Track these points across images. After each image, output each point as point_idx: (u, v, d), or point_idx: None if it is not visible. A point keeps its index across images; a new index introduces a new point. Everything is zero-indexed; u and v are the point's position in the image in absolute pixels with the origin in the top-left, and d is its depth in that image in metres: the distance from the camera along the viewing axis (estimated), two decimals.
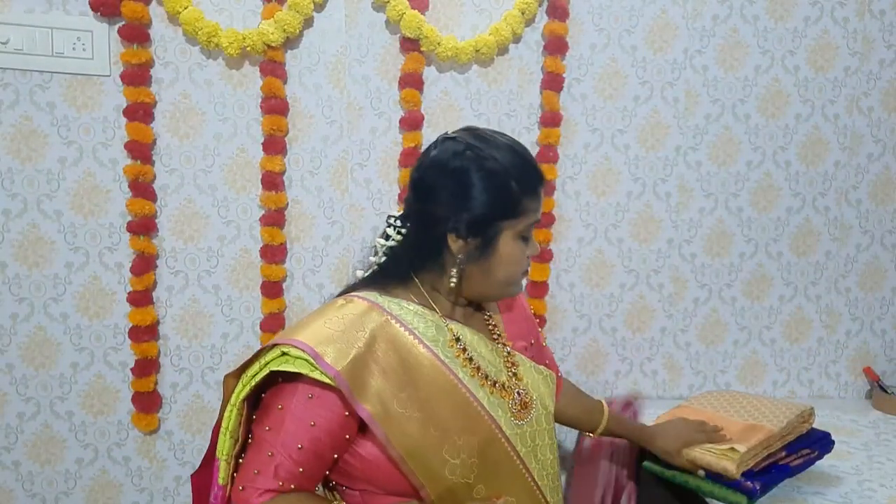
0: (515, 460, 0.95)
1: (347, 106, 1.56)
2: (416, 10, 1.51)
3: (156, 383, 1.57)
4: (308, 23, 1.51)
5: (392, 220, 0.99)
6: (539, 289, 1.67)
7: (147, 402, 1.56)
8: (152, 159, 1.51)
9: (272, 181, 1.53)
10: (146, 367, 1.54)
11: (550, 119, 1.61)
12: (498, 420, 0.94)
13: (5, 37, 1.41)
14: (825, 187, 1.76)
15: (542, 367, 1.09)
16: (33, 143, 1.46)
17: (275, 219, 1.55)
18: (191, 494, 0.99)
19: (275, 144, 1.52)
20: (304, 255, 1.60)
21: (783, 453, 1.19)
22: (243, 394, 0.89)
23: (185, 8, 1.44)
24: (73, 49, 1.44)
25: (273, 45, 1.47)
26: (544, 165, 1.62)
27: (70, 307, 1.53)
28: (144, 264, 1.51)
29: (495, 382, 0.97)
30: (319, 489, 0.94)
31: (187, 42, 1.49)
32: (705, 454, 1.16)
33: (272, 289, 1.57)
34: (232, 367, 1.02)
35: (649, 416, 1.63)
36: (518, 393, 0.99)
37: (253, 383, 0.88)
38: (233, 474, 0.90)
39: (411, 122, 1.56)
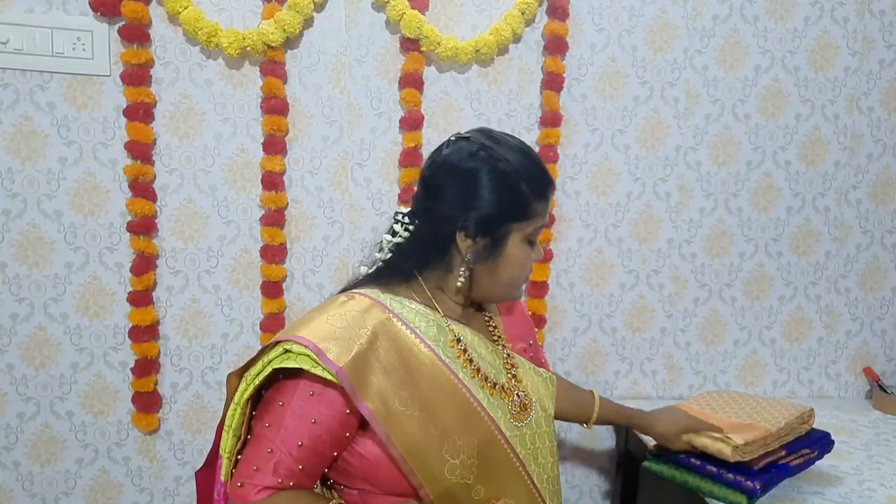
0: (515, 462, 0.95)
1: (347, 106, 1.56)
2: (416, 10, 1.51)
3: (156, 383, 1.57)
4: (308, 23, 1.51)
5: (400, 217, 0.98)
6: (539, 289, 1.67)
7: (147, 402, 1.56)
8: (152, 159, 1.51)
9: (272, 181, 1.53)
10: (146, 367, 1.54)
11: (550, 119, 1.61)
12: (497, 421, 0.94)
13: (5, 37, 1.41)
14: (825, 187, 1.76)
15: (541, 369, 1.09)
16: (33, 143, 1.46)
17: (275, 219, 1.55)
18: (191, 494, 0.99)
19: (275, 144, 1.52)
20: (304, 255, 1.60)
21: (783, 452, 1.19)
22: (247, 393, 0.88)
23: (185, 8, 1.44)
24: (73, 49, 1.44)
25: (273, 45, 1.47)
26: None
27: (70, 307, 1.53)
28: (144, 264, 1.51)
29: (495, 384, 0.97)
30: (318, 487, 0.94)
31: (187, 42, 1.49)
32: (702, 437, 1.18)
33: (272, 289, 1.57)
34: (232, 367, 1.02)
35: None
36: (518, 395, 0.99)
37: (256, 382, 0.88)
38: (231, 470, 0.90)
39: (411, 122, 1.56)
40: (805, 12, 1.68)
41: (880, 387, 1.79)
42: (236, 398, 0.90)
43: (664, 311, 1.76)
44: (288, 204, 1.57)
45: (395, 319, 0.91)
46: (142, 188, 1.49)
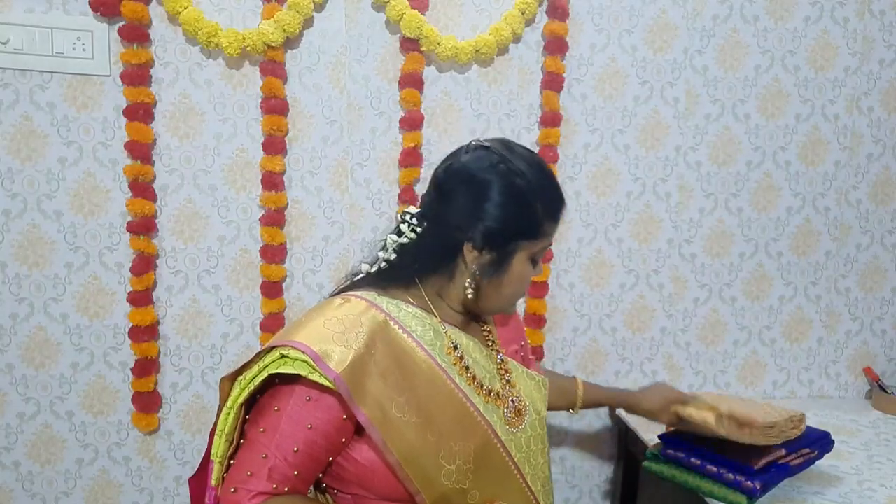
0: (510, 465, 0.95)
1: (347, 106, 1.56)
2: (416, 10, 1.50)
3: (156, 383, 1.57)
4: (308, 23, 1.51)
5: (408, 217, 0.97)
6: (539, 289, 1.67)
7: (147, 402, 1.56)
8: (152, 159, 1.50)
9: (272, 181, 1.53)
10: (146, 367, 1.54)
11: (550, 119, 1.61)
12: (494, 425, 0.94)
13: (5, 37, 1.41)
14: (825, 187, 1.76)
15: (534, 372, 1.09)
16: (33, 143, 1.46)
17: (275, 219, 1.55)
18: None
19: (275, 144, 1.52)
20: (304, 255, 1.60)
21: (783, 452, 1.19)
22: (241, 398, 0.87)
23: (185, 8, 1.44)
24: (73, 49, 1.44)
25: (273, 45, 1.47)
26: None
27: (70, 307, 1.53)
28: (144, 264, 1.51)
29: (490, 391, 0.96)
30: (311, 492, 0.93)
31: (187, 42, 1.49)
32: (689, 408, 1.20)
33: (272, 289, 1.57)
34: (232, 367, 1.01)
35: (644, 419, 1.64)
36: (512, 401, 0.99)
37: (252, 387, 0.87)
38: (223, 475, 0.89)
39: (411, 122, 1.56)
40: (805, 12, 1.68)
41: (880, 387, 1.79)
42: (230, 403, 0.88)
43: (664, 311, 1.76)
44: (288, 204, 1.57)
45: (391, 323, 0.90)
46: (142, 188, 1.49)
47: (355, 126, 1.57)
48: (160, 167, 1.52)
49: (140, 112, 1.46)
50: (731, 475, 1.15)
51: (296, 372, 0.84)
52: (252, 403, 0.90)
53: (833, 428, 1.51)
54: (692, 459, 1.20)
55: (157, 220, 1.52)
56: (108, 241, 1.52)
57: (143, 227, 1.50)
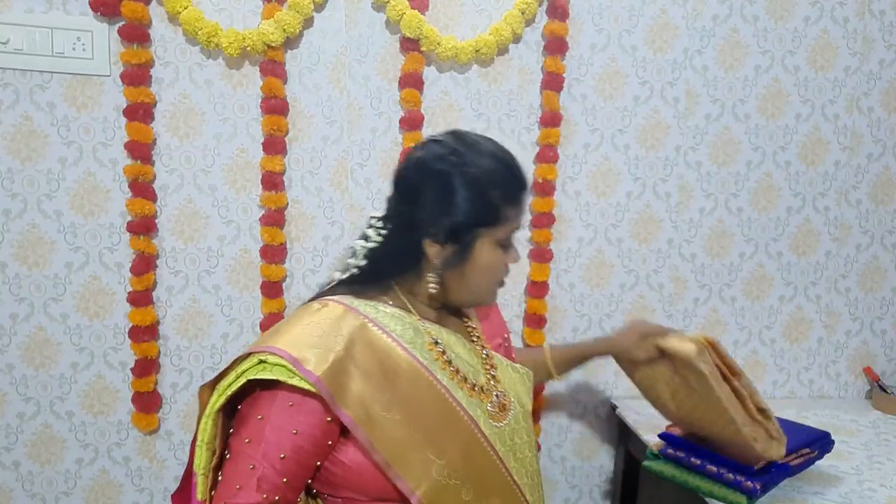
0: (495, 459, 0.94)
1: (347, 106, 1.56)
2: (416, 10, 1.50)
3: (156, 383, 1.57)
4: (308, 23, 1.51)
5: (373, 222, 0.98)
6: (539, 289, 1.67)
7: (147, 402, 1.56)
8: (152, 159, 1.50)
9: (272, 181, 1.53)
10: (146, 367, 1.54)
11: (550, 119, 1.61)
12: (477, 420, 0.93)
13: (5, 37, 1.41)
14: (825, 187, 1.76)
15: (518, 365, 1.09)
16: (33, 143, 1.46)
17: (275, 219, 1.55)
18: None
19: (275, 144, 1.52)
20: (304, 255, 1.60)
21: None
22: (218, 404, 0.86)
23: (185, 8, 1.44)
24: (73, 49, 1.44)
25: (273, 45, 1.47)
26: (544, 165, 1.62)
27: (70, 307, 1.53)
28: (144, 264, 1.51)
29: (474, 385, 0.96)
30: (302, 497, 0.91)
31: (187, 42, 1.49)
32: (669, 339, 1.15)
33: (272, 289, 1.57)
34: None
35: (644, 419, 1.64)
36: (496, 395, 0.99)
37: (229, 393, 0.86)
38: (211, 492, 0.87)
39: (411, 122, 1.56)
40: (805, 12, 1.68)
41: (880, 387, 1.79)
42: (208, 410, 0.87)
43: (664, 311, 1.76)
44: (288, 204, 1.57)
45: (370, 325, 0.90)
46: (142, 188, 1.49)
47: (355, 126, 1.57)
48: (160, 167, 1.52)
49: (140, 112, 1.46)
50: (731, 475, 1.15)
51: (274, 377, 0.83)
52: (232, 413, 0.89)
53: (833, 428, 1.51)
54: (692, 459, 1.20)
55: (157, 220, 1.52)
56: (108, 241, 1.52)
57: (143, 227, 1.50)
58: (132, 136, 1.46)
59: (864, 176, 1.77)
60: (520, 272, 1.68)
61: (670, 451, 1.25)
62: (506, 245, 0.95)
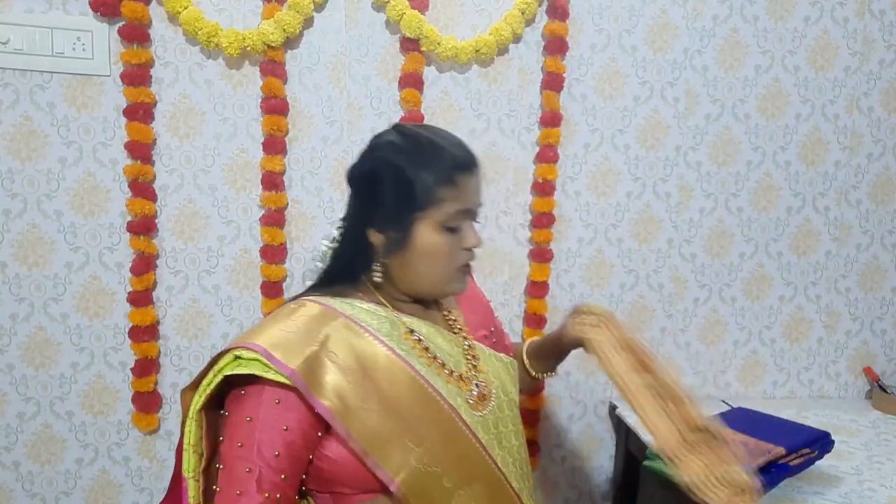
0: (477, 447, 0.94)
1: (347, 106, 1.56)
2: (416, 10, 1.50)
3: (156, 383, 1.57)
4: (308, 23, 1.51)
5: (338, 223, 1.00)
6: (539, 289, 1.67)
7: (147, 402, 1.56)
8: (152, 159, 1.51)
9: (272, 181, 1.53)
10: (146, 367, 1.54)
11: (550, 119, 1.61)
12: (458, 408, 0.93)
13: (5, 37, 1.41)
14: (825, 187, 1.76)
15: (502, 354, 1.08)
16: (33, 143, 1.46)
17: (275, 219, 1.55)
18: None
19: (275, 144, 1.52)
20: (304, 255, 1.60)
21: (783, 451, 1.19)
22: (199, 404, 0.87)
23: (185, 8, 1.44)
24: (73, 49, 1.44)
25: (273, 45, 1.47)
26: (544, 165, 1.62)
27: (70, 307, 1.53)
28: (144, 264, 1.51)
29: (452, 372, 0.96)
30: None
31: (187, 42, 1.49)
32: (580, 314, 1.12)
33: (272, 289, 1.57)
34: None
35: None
36: (476, 384, 0.99)
37: (208, 391, 0.86)
38: (203, 494, 0.87)
39: (411, 123, 1.56)
40: (805, 12, 1.68)
41: (880, 387, 1.79)
42: (191, 412, 0.87)
43: (664, 311, 1.76)
44: (288, 204, 1.57)
45: (346, 320, 0.91)
46: (142, 188, 1.49)
47: (355, 126, 1.57)
48: (160, 167, 1.52)
49: (140, 112, 1.46)
50: None
51: (250, 372, 0.83)
52: (217, 414, 0.89)
53: (833, 428, 1.51)
54: None
55: (157, 220, 1.52)
56: (108, 241, 1.52)
57: (143, 227, 1.50)
58: (132, 136, 1.46)
59: (864, 176, 1.77)
60: (520, 272, 1.69)
61: None
62: (454, 228, 0.93)
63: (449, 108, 1.60)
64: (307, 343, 0.86)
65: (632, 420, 1.60)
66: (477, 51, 1.55)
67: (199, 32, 1.45)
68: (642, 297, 1.75)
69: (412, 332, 0.95)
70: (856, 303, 1.83)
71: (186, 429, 0.88)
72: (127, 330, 1.53)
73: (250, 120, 1.53)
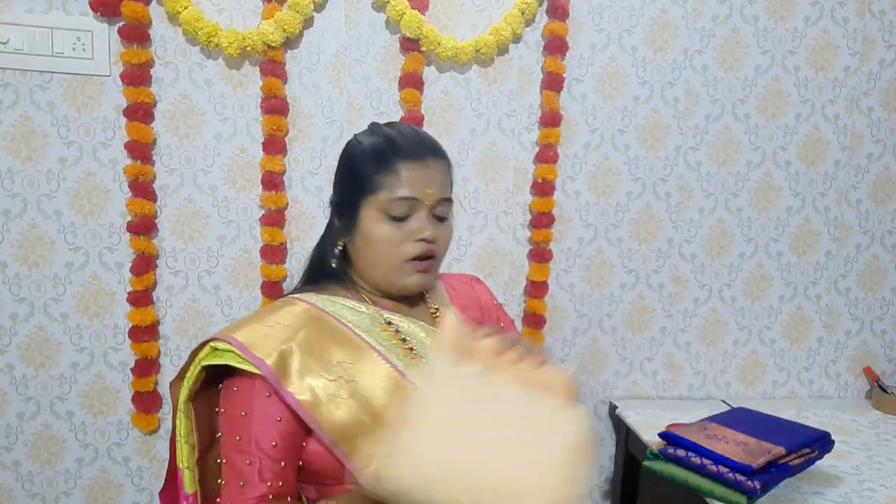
0: None
1: (347, 106, 1.56)
2: (416, 10, 1.50)
3: (156, 383, 1.57)
4: (308, 23, 1.51)
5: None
6: (539, 289, 1.67)
7: (147, 402, 1.56)
8: (152, 159, 1.50)
9: (272, 181, 1.53)
10: (146, 367, 1.54)
11: (550, 119, 1.61)
12: None
13: (5, 37, 1.41)
14: (825, 187, 1.76)
15: None
16: (33, 143, 1.46)
17: (275, 219, 1.55)
18: None
19: (275, 144, 1.52)
20: (304, 255, 1.60)
21: (783, 451, 1.19)
22: (183, 395, 0.90)
23: (185, 8, 1.44)
24: (73, 49, 1.44)
25: (273, 45, 1.47)
26: (544, 165, 1.62)
27: (70, 307, 1.53)
28: (144, 264, 1.51)
29: None
30: None
31: (187, 42, 1.49)
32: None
33: (272, 289, 1.57)
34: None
35: (644, 419, 1.64)
36: None
37: (189, 384, 0.89)
38: (199, 482, 0.90)
39: (411, 122, 1.55)
40: (805, 12, 1.68)
41: (880, 387, 1.79)
42: (179, 405, 0.91)
43: (664, 311, 1.76)
44: (288, 204, 1.57)
45: (326, 316, 0.94)
46: (142, 188, 1.49)
47: (355, 126, 1.57)
48: (160, 167, 1.52)
49: (140, 112, 1.46)
50: (731, 475, 1.15)
51: (225, 362, 0.86)
52: (207, 403, 0.92)
53: (833, 428, 1.51)
54: (692, 459, 1.20)
55: (157, 220, 1.52)
56: (108, 241, 1.52)
57: (143, 227, 1.50)
58: (132, 136, 1.46)
59: (864, 176, 1.77)
60: (519, 272, 1.69)
61: (670, 450, 1.25)
62: (400, 217, 0.94)
63: (449, 108, 1.60)
64: (284, 338, 0.88)
65: (632, 420, 1.60)
66: (477, 51, 1.55)
67: (199, 32, 1.45)
68: (642, 297, 1.75)
69: (390, 324, 0.97)
70: (856, 303, 1.83)
71: (177, 420, 0.91)
72: (127, 330, 1.53)
73: (250, 120, 1.53)
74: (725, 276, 1.77)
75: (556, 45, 1.58)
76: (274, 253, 1.56)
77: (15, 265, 1.50)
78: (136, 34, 1.43)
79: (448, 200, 0.98)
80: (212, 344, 0.88)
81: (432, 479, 0.69)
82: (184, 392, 0.90)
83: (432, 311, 1.06)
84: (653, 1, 1.62)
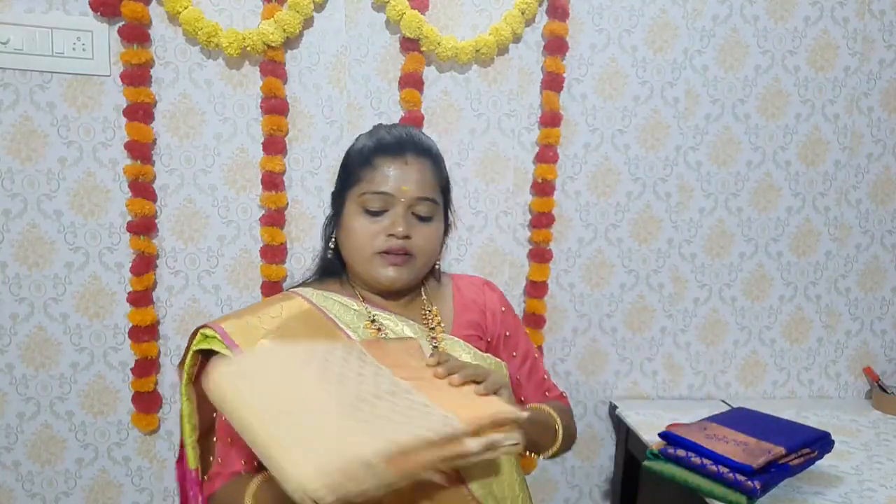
0: None
1: (347, 106, 1.56)
2: (416, 10, 1.50)
3: (156, 383, 1.57)
4: (308, 23, 1.51)
5: None
6: (538, 289, 1.67)
7: (147, 402, 1.56)
8: (152, 159, 1.50)
9: (272, 181, 1.53)
10: (146, 367, 1.54)
11: (550, 119, 1.61)
12: None
13: (5, 37, 1.41)
14: (825, 187, 1.76)
15: (487, 354, 1.04)
16: (33, 143, 1.46)
17: (275, 219, 1.55)
18: None
19: (275, 144, 1.52)
20: (304, 255, 1.60)
21: (783, 451, 1.19)
22: (184, 379, 0.94)
23: (185, 8, 1.44)
24: (73, 49, 1.44)
25: (273, 45, 1.47)
26: (544, 165, 1.62)
27: (70, 307, 1.53)
28: (144, 264, 1.51)
29: None
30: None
31: (187, 42, 1.49)
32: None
33: (272, 289, 1.57)
34: None
35: (644, 419, 1.64)
36: None
37: (187, 368, 0.93)
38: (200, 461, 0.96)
39: (411, 123, 1.55)
40: (805, 12, 1.68)
41: (880, 387, 1.79)
42: (181, 388, 0.95)
43: (664, 311, 1.76)
44: (288, 204, 1.57)
45: (314, 310, 0.97)
46: (142, 188, 1.49)
47: (355, 126, 1.57)
48: (160, 167, 1.52)
49: (140, 112, 1.46)
50: (731, 475, 1.15)
51: (212, 347, 0.90)
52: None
53: (833, 428, 1.51)
54: (692, 459, 1.20)
55: (157, 220, 1.52)
56: (108, 241, 1.52)
57: (143, 227, 1.50)
58: (132, 136, 1.46)
59: (864, 176, 1.77)
60: (519, 272, 1.69)
61: (670, 450, 1.25)
62: (375, 211, 0.96)
63: (449, 108, 1.60)
64: (266, 326, 0.92)
65: (632, 420, 1.60)
66: (477, 51, 1.55)
67: (199, 32, 1.45)
68: (642, 297, 1.75)
69: (374, 321, 0.99)
70: (856, 303, 1.83)
71: (182, 402, 0.96)
72: (127, 330, 1.53)
73: (250, 120, 1.53)
74: (725, 276, 1.77)
75: (556, 45, 1.58)
76: (274, 253, 1.55)
77: (15, 265, 1.50)
78: (136, 34, 1.43)
79: (429, 200, 0.97)
80: (202, 331, 0.92)
81: (244, 398, 0.72)
82: (185, 376, 0.94)
83: (424, 311, 1.04)
84: (653, 1, 1.62)
